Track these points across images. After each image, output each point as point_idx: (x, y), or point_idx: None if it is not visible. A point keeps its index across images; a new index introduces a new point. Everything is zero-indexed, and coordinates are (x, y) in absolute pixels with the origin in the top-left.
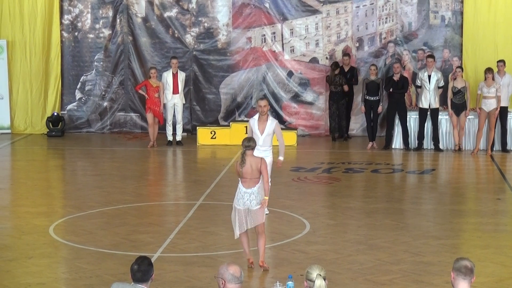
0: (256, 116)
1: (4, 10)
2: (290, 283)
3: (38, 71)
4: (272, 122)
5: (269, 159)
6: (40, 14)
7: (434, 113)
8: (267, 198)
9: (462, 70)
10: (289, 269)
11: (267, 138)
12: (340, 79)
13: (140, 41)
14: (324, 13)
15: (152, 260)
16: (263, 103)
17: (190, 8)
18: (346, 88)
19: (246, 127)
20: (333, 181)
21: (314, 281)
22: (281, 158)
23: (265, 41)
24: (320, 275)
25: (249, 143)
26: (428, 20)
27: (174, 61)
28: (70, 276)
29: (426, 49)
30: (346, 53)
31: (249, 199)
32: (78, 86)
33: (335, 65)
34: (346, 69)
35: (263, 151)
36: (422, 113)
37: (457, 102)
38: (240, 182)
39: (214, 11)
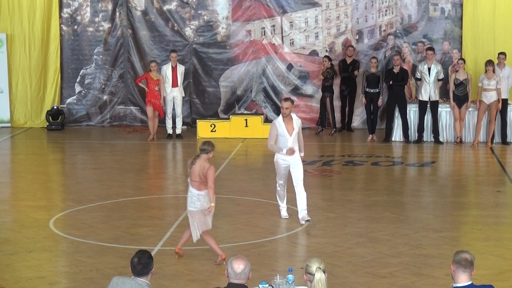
0: (280, 118)
1: (3, 4)
2: (290, 276)
3: (38, 64)
4: (297, 120)
5: (300, 165)
6: (39, 8)
7: (434, 105)
8: (213, 204)
9: (464, 62)
10: (289, 262)
11: (296, 138)
12: (334, 72)
13: (140, 34)
14: (323, 5)
15: (152, 253)
16: (286, 104)
17: (189, 1)
18: (357, 73)
19: (247, 119)
20: (333, 174)
21: (313, 274)
22: (302, 154)
23: (264, 34)
24: (319, 268)
25: (204, 146)
26: (427, 13)
27: (173, 54)
28: (71, 269)
29: (426, 42)
30: (350, 44)
31: (204, 201)
32: (78, 80)
33: (329, 58)
34: (349, 61)
35: (295, 155)
36: (422, 105)
37: (459, 94)
38: (190, 185)
39: (213, 4)
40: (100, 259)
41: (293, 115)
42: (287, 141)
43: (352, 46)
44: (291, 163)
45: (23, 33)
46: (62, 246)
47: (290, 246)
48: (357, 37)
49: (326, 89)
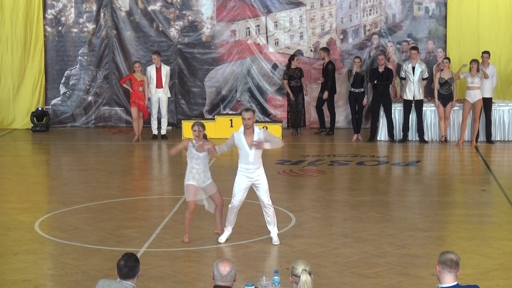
0: (241, 129)
1: None
2: (276, 277)
3: (21, 66)
4: (259, 132)
5: (264, 180)
6: (22, 9)
7: (419, 104)
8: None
9: (449, 61)
10: (275, 263)
11: (258, 153)
12: (300, 72)
13: (124, 35)
14: (308, 5)
15: (138, 255)
16: (247, 115)
17: (174, 1)
18: (325, 96)
19: (232, 120)
20: (319, 174)
21: (299, 276)
22: (266, 144)
23: (249, 34)
24: (305, 270)
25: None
26: (412, 12)
27: (154, 56)
28: (56, 272)
29: (410, 41)
30: (321, 47)
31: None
32: (62, 81)
33: (292, 58)
34: (324, 64)
35: (255, 170)
36: (407, 104)
37: (444, 93)
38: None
39: (198, 4)
40: (86, 261)
41: (256, 128)
42: (248, 156)
43: (325, 48)
44: (255, 180)
45: (6, 34)
46: (48, 248)
47: (275, 247)
48: (341, 37)
49: (298, 89)
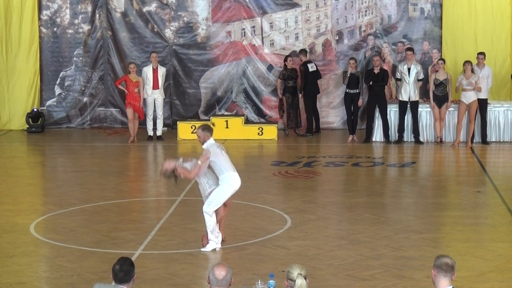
0: (211, 141)
1: None
2: (271, 281)
3: (16, 67)
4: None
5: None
6: (17, 10)
7: (414, 105)
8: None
9: (444, 62)
10: (270, 266)
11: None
12: (296, 73)
13: (120, 36)
14: (303, 6)
15: (133, 257)
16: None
17: (169, 2)
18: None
19: (227, 121)
20: (314, 175)
21: (295, 281)
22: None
23: (244, 35)
24: (300, 274)
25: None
26: (407, 13)
27: (153, 55)
28: (52, 275)
29: (405, 42)
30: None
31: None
32: (58, 82)
33: (286, 59)
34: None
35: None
36: (402, 105)
37: (439, 94)
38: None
39: (193, 5)
40: (81, 263)
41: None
42: (230, 163)
43: (303, 50)
44: None
45: (0, 35)
46: (43, 250)
47: (271, 249)
48: (337, 38)
49: (295, 90)
